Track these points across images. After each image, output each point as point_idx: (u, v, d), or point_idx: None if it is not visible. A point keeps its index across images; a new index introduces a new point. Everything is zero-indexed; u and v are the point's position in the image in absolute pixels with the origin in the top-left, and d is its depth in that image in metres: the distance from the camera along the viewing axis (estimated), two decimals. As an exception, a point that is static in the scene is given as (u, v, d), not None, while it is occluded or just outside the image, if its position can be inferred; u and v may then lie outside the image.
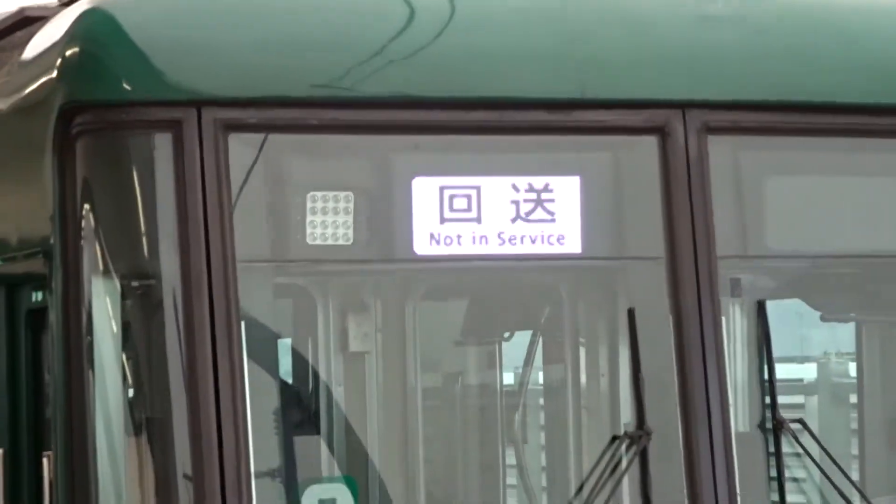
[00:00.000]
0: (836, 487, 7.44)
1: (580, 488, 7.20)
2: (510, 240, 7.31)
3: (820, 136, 7.78)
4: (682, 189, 7.36)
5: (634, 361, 7.35)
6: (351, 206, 7.20)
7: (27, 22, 8.35)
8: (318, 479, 7.32)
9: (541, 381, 8.71)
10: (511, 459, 8.61)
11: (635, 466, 7.23)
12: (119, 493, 6.96)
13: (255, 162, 7.08)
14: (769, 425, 7.47)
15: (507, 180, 7.30)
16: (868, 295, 8.43)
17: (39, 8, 8.41)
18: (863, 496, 7.47)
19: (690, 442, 7.17)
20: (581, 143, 7.48)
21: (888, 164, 8.01)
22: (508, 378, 8.90)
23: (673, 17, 7.69)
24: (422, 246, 7.24)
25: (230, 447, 6.75)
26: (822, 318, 8.45)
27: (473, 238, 7.28)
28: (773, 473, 7.52)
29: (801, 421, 7.58)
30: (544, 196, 7.31)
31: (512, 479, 8.65)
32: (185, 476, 6.79)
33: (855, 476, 7.70)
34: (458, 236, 7.25)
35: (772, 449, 7.49)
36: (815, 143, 7.81)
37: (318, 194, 7.15)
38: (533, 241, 7.33)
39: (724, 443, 7.21)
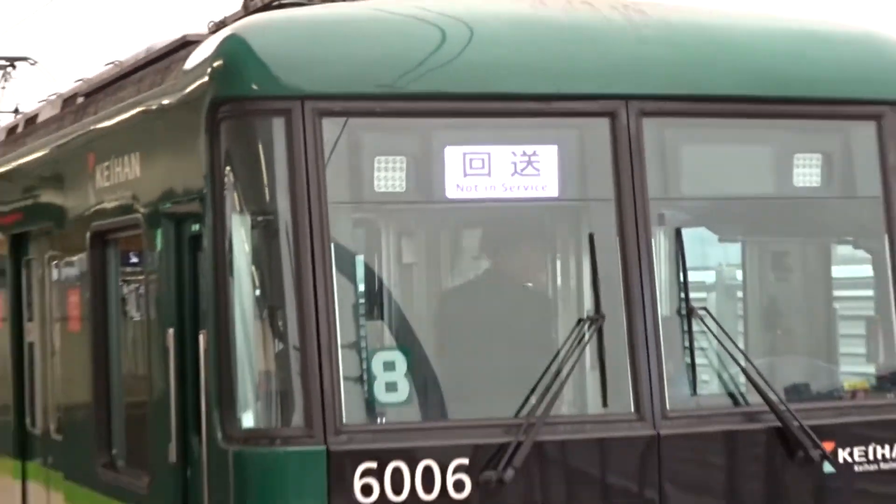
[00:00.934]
0: (728, 353, 7.52)
1: (557, 353, 7.25)
2: (510, 188, 7.41)
3: (719, 117, 7.85)
4: (625, 154, 7.44)
5: (593, 269, 7.43)
6: (404, 165, 7.30)
7: (187, 44, 8.46)
8: (382, 348, 7.44)
9: (530, 283, 8.70)
10: (509, 333, 8.65)
11: (595, 339, 7.32)
12: (250, 357, 7.08)
13: (339, 136, 7.18)
14: (684, 312, 7.55)
15: (508, 148, 7.38)
16: (750, 224, 8.47)
17: (196, 35, 8.50)
18: (746, 358, 7.54)
19: (631, 322, 7.30)
20: (557, 123, 7.59)
21: (760, 136, 8.12)
22: (508, 281, 8.95)
23: (619, 38, 7.72)
24: (451, 192, 7.35)
25: (324, 326, 6.91)
26: (720, 240, 8.49)
27: (486, 187, 7.38)
28: (687, 344, 7.59)
29: (705, 309, 7.64)
30: (533, 159, 7.39)
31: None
32: (294, 347, 6.94)
33: (741, 344, 7.78)
34: (475, 186, 7.36)
35: (685, 328, 7.56)
36: (715, 121, 7.89)
37: (382, 158, 7.27)
38: (525, 189, 7.43)
39: (654, 323, 7.35)
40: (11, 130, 13.23)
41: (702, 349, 7.57)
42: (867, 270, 8.03)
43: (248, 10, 8.45)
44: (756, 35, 8.11)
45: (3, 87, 22.11)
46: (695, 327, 7.54)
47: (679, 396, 7.43)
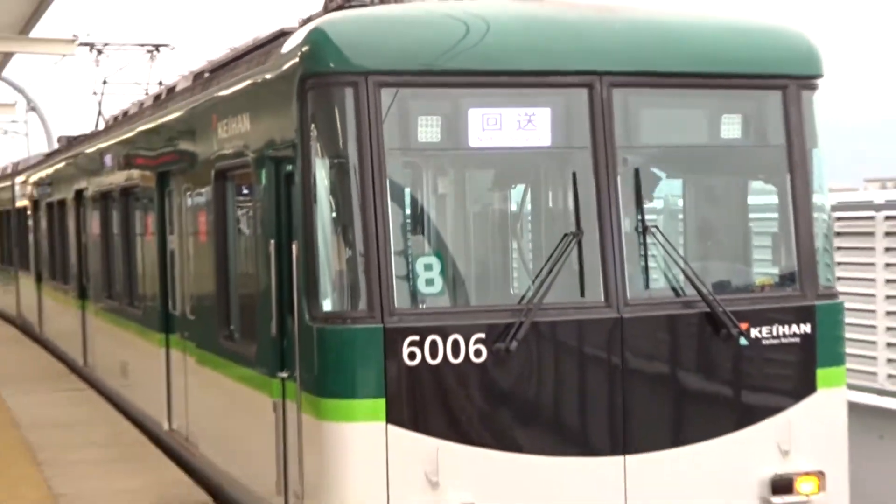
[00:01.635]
0: (672, 258, 7.57)
1: (549, 258, 7.34)
2: (516, 139, 7.41)
3: (667, 87, 7.86)
4: (598, 114, 7.41)
5: (575, 197, 7.47)
6: (439, 122, 7.36)
7: (283, 34, 8.40)
8: (423, 254, 7.54)
9: (530, 207, 8.74)
10: (514, 244, 8.71)
11: (575, 248, 7.38)
12: (328, 261, 7.20)
13: (392, 102, 7.20)
14: (640, 229, 7.58)
15: (515, 110, 7.38)
16: (689, 165, 8.50)
17: (289, 28, 8.40)
18: (685, 262, 7.58)
19: (602, 236, 7.35)
20: (550, 92, 7.54)
21: (697, 101, 8.12)
22: (514, 206, 8.93)
23: (595, 30, 7.69)
24: (473, 142, 7.39)
25: (381, 238, 7.02)
26: (667, 177, 8.41)
27: (498, 138, 7.39)
28: (642, 252, 7.61)
29: (655, 227, 7.66)
30: (532, 118, 7.39)
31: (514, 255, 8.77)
32: (360, 253, 7.05)
33: (681, 252, 7.75)
34: (491, 137, 7.36)
35: (641, 240, 7.60)
36: (665, 91, 7.88)
37: (423, 117, 7.33)
38: (527, 140, 7.44)
39: (618, 237, 7.40)
40: (157, 98, 13.24)
41: (653, 256, 7.61)
42: (773, 199, 8.06)
43: (326, 10, 8.40)
44: (694, 27, 8.07)
45: (151, 66, 22.01)
46: (648, 240, 7.57)
47: (636, 290, 7.48)
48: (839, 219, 11.76)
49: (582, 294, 7.42)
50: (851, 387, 10.36)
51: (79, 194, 16.54)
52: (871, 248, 11.90)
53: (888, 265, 11.74)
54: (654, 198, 7.79)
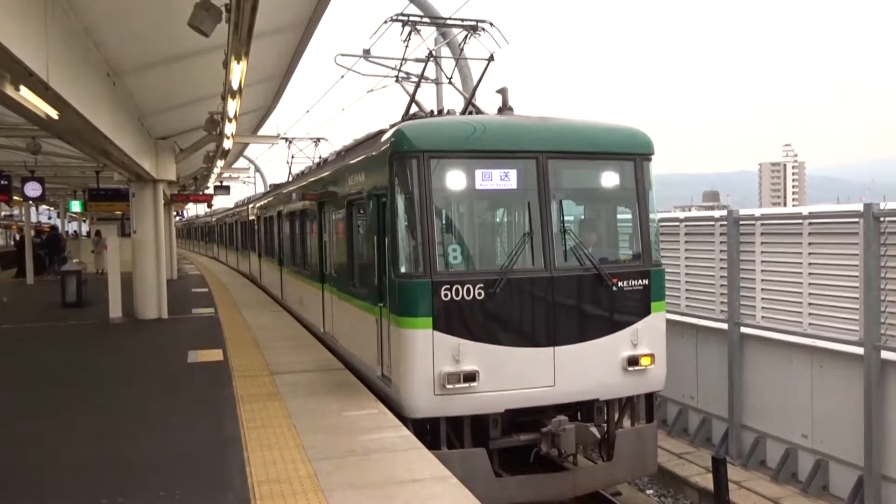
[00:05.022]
0: (578, 246, 7.43)
1: (516, 245, 7.23)
2: (499, 185, 7.27)
3: (575, 159, 7.63)
4: (542, 172, 7.31)
5: (529, 215, 7.35)
6: (460, 176, 7.18)
7: (381, 132, 8.35)
8: (451, 244, 7.30)
9: (506, 220, 8.37)
10: (498, 239, 8.47)
11: (529, 241, 7.23)
12: (404, 246, 7.05)
13: (436, 166, 7.10)
14: (562, 230, 7.40)
15: (499, 170, 7.24)
16: (586, 198, 8.16)
17: (385, 128, 8.35)
18: (584, 248, 7.43)
19: (543, 234, 7.21)
20: (517, 161, 7.36)
21: (590, 165, 7.75)
22: (498, 219, 8.61)
23: (540, 129, 7.56)
24: (478, 186, 7.25)
25: (430, 236, 6.92)
26: (576, 204, 8.23)
27: (491, 184, 7.25)
28: (563, 243, 7.38)
29: (570, 230, 7.53)
30: (508, 174, 7.28)
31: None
32: (420, 242, 6.93)
33: (583, 241, 7.61)
34: (487, 184, 7.24)
35: (563, 236, 7.37)
36: (574, 160, 7.64)
37: (451, 173, 7.15)
38: (505, 185, 7.30)
39: (551, 234, 7.23)
40: (318, 165, 13.27)
41: (570, 245, 7.45)
42: (629, 216, 7.93)
43: (403, 119, 8.38)
44: (589, 128, 7.91)
45: (315, 148, 21.96)
46: (567, 236, 7.44)
47: (560, 262, 7.37)
48: (688, 226, 11.53)
49: (533, 264, 7.31)
50: (669, 311, 10.37)
51: (279, 213, 16.59)
52: (677, 240, 11.70)
53: (686, 249, 11.54)
54: (568, 215, 7.65)
